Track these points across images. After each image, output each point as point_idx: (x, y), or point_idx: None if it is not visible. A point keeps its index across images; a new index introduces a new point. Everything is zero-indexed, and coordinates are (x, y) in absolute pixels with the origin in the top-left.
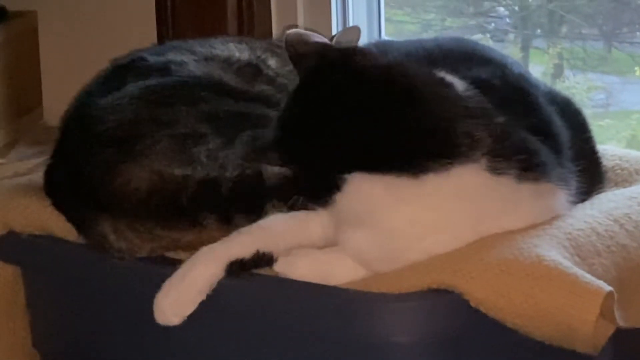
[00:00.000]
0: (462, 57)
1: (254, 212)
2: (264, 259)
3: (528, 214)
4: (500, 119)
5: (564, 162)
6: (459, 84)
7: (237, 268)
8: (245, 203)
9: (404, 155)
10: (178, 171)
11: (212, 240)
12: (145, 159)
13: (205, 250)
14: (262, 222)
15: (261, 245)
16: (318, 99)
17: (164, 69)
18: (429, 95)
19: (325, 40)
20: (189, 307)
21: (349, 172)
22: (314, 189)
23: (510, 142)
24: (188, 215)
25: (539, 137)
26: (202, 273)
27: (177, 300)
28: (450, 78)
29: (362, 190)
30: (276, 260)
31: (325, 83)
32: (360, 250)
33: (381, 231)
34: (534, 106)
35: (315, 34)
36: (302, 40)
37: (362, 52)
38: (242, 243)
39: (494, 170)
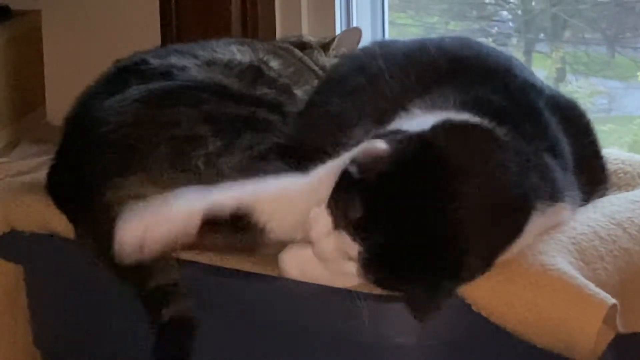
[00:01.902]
0: (467, 67)
1: None
2: (242, 223)
3: (539, 231)
4: (539, 157)
5: (570, 175)
6: (502, 134)
7: (211, 227)
8: None
9: None
10: None
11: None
12: (141, 172)
13: (183, 191)
14: (247, 187)
15: (241, 205)
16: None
17: (166, 73)
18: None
19: None
20: (155, 247)
21: None
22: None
23: (547, 175)
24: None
25: (550, 156)
26: (176, 216)
27: (144, 236)
28: (498, 131)
29: None
30: (255, 227)
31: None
32: None
33: None
34: (543, 123)
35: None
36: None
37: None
38: (221, 200)
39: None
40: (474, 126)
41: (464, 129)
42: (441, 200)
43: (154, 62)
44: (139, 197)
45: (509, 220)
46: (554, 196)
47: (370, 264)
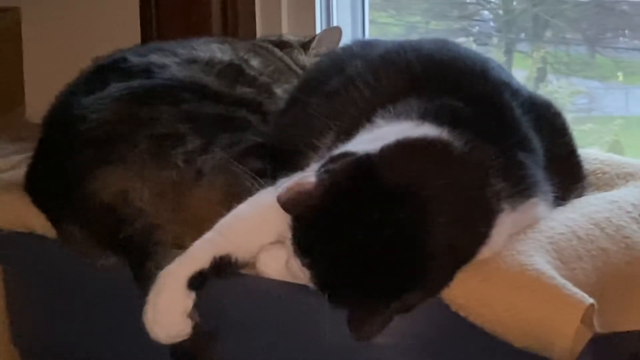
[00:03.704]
0: (441, 72)
1: None
2: (223, 264)
3: (514, 228)
4: (509, 156)
5: (542, 171)
6: (457, 143)
7: (200, 280)
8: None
9: None
10: (139, 203)
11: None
12: (122, 164)
13: (163, 274)
14: (217, 226)
15: (216, 251)
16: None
17: (146, 71)
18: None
19: None
20: (182, 328)
21: None
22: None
23: (516, 173)
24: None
25: (524, 153)
26: (169, 300)
27: (166, 325)
28: (451, 142)
29: None
30: (237, 263)
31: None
32: None
33: None
34: (515, 122)
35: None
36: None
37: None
38: (196, 255)
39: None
40: (429, 143)
41: (416, 147)
42: (381, 224)
43: (134, 59)
44: (124, 191)
45: (470, 232)
46: (525, 192)
47: (320, 287)
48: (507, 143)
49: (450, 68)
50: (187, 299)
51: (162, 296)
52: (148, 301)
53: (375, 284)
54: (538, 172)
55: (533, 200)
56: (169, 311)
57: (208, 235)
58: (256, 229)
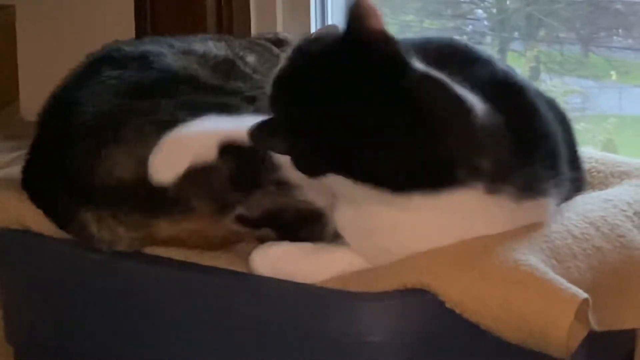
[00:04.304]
0: (455, 55)
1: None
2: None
3: (518, 225)
4: (508, 141)
5: (561, 168)
6: (479, 106)
7: (232, 153)
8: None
9: (392, 172)
10: None
11: (201, 231)
12: (127, 143)
13: (205, 120)
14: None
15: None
16: (335, 87)
17: (141, 58)
18: (437, 120)
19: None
20: (180, 167)
21: (338, 173)
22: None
23: (510, 163)
24: (178, 204)
25: (542, 151)
26: (199, 139)
27: (170, 158)
28: (471, 99)
29: (349, 187)
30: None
31: (354, 74)
32: (346, 227)
33: (365, 222)
34: (538, 117)
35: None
36: (372, 15)
37: (401, 59)
38: (241, 128)
39: (490, 191)
40: (455, 94)
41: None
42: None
43: (128, 49)
44: (131, 155)
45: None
46: (530, 187)
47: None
48: (522, 131)
49: (462, 56)
50: (208, 151)
51: (195, 135)
52: (173, 134)
53: None
54: (552, 170)
55: (544, 200)
56: (188, 147)
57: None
58: None
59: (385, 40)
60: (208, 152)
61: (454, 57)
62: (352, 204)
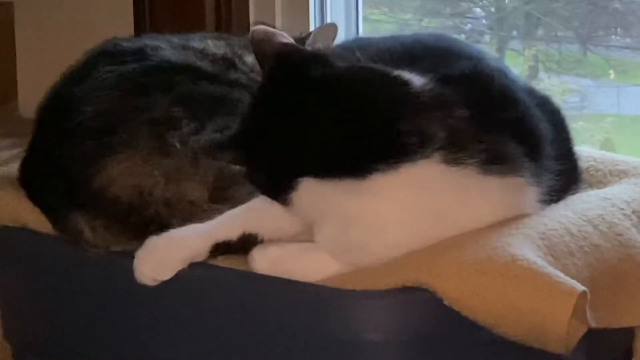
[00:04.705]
0: (440, 53)
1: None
2: (250, 241)
3: (495, 208)
4: (461, 112)
5: (542, 158)
6: (417, 80)
7: (223, 250)
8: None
9: (347, 160)
10: (157, 190)
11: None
12: (123, 154)
13: (194, 225)
14: (249, 204)
15: (247, 227)
16: (273, 103)
17: (138, 52)
18: (373, 98)
19: (290, 40)
20: (168, 274)
21: (301, 176)
22: (270, 188)
23: (469, 133)
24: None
25: (514, 132)
26: (188, 245)
27: (158, 264)
28: (408, 76)
29: (315, 194)
30: (261, 242)
31: (280, 88)
32: (327, 243)
33: (341, 222)
34: (510, 100)
35: (282, 33)
36: (266, 39)
37: (320, 58)
38: (229, 225)
39: (451, 162)
40: (382, 73)
41: (364, 72)
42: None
43: (126, 43)
44: (136, 185)
45: None
46: (496, 161)
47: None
48: (491, 115)
49: (448, 54)
50: (198, 255)
51: (184, 240)
52: (161, 238)
53: None
54: (529, 154)
55: (516, 179)
56: (177, 253)
57: (240, 211)
58: (285, 216)
59: (289, 49)
60: (199, 255)
61: (439, 52)
62: (325, 217)
